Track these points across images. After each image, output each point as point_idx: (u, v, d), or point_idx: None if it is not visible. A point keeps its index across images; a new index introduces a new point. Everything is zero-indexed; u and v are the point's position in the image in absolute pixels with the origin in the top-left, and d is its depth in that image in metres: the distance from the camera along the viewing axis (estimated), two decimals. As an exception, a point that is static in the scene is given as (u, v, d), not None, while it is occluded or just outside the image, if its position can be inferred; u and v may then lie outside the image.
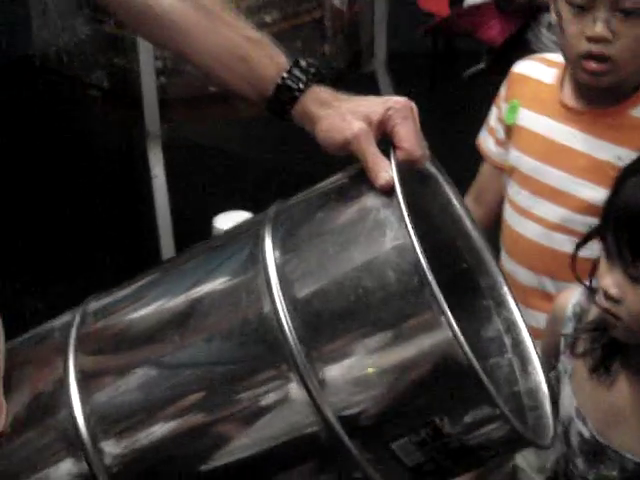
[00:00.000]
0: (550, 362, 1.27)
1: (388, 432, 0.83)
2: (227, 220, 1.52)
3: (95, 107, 2.78)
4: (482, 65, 2.38)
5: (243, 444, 0.88)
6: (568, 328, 1.24)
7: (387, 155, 0.89)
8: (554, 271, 1.46)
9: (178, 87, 2.43)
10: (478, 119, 1.75)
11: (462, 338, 0.78)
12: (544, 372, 0.96)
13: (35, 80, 2.87)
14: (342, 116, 0.95)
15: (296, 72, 0.98)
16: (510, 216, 1.54)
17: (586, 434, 1.19)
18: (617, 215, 1.12)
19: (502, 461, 1.28)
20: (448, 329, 0.77)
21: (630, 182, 1.15)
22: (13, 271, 2.39)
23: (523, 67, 1.58)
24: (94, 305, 1.01)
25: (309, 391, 0.81)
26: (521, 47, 2.07)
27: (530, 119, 1.51)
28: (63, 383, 0.95)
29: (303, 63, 0.98)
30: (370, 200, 0.88)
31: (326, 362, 0.83)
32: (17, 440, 0.98)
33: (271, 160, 2.99)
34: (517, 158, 1.51)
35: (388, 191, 0.85)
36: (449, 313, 0.78)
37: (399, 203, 0.83)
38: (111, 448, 0.91)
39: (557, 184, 1.46)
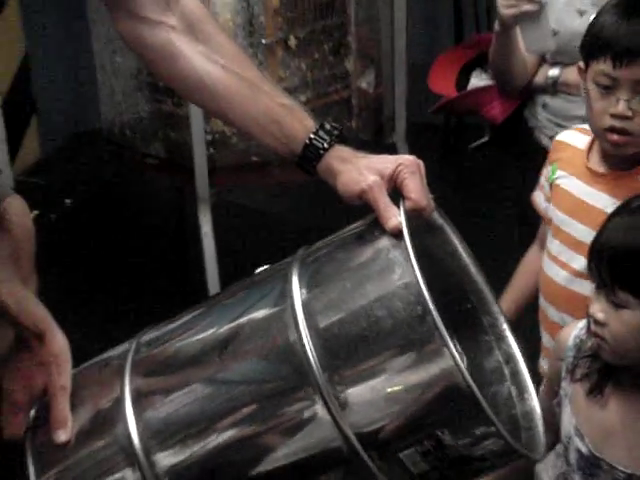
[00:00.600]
0: (553, 389, 1.38)
1: (398, 444, 0.94)
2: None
3: (153, 174, 2.99)
4: (486, 138, 2.51)
5: (277, 455, 0.98)
6: (569, 357, 1.34)
7: (397, 205, 0.98)
8: (573, 310, 1.56)
9: (225, 157, 2.61)
10: (482, 184, 1.97)
11: (462, 365, 0.87)
12: (538, 397, 1.05)
13: (101, 150, 3.05)
14: (359, 170, 1.07)
15: (321, 133, 1.10)
16: (544, 261, 1.68)
17: (583, 450, 1.28)
18: (599, 250, 1.24)
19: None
20: (451, 358, 0.87)
21: (611, 222, 1.28)
22: (82, 315, 2.56)
23: (564, 135, 1.73)
24: (147, 336, 1.12)
25: (331, 412, 0.91)
26: (519, 124, 2.21)
27: (564, 179, 1.66)
28: (120, 402, 1.05)
29: (327, 126, 1.09)
30: (382, 243, 0.99)
31: (346, 385, 0.93)
32: (81, 451, 1.09)
33: (304, 219, 3.14)
34: (552, 211, 1.66)
35: (397, 234, 0.95)
36: (450, 342, 0.88)
37: (406, 244, 0.93)
38: (162, 460, 1.01)
39: (581, 237, 1.57)
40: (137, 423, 1.04)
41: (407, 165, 1.05)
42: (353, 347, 0.95)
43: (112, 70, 2.89)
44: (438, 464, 0.98)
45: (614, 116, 1.48)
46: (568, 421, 1.31)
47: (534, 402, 1.04)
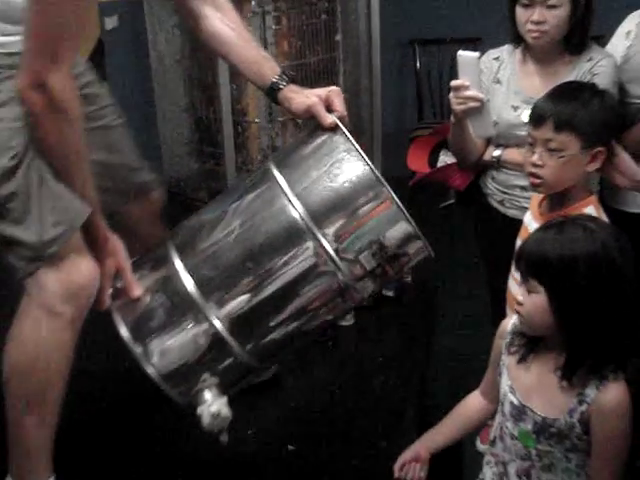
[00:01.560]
0: (496, 364, 1.64)
1: (358, 250, 1.52)
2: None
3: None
4: (452, 200, 2.78)
5: (283, 281, 1.54)
6: (507, 338, 1.61)
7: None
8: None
9: None
10: (447, 233, 2.52)
11: (393, 195, 1.46)
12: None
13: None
14: (305, 95, 1.66)
15: (283, 76, 1.71)
16: (510, 282, 1.98)
17: (515, 401, 1.54)
18: (521, 253, 1.51)
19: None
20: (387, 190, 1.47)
21: (530, 236, 1.58)
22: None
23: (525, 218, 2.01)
24: (177, 228, 1.70)
25: (323, 247, 1.50)
26: (476, 190, 2.45)
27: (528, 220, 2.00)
28: (170, 263, 1.59)
29: (286, 72, 1.70)
30: (325, 135, 1.59)
31: (327, 226, 1.50)
32: (149, 303, 1.59)
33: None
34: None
35: (333, 128, 1.57)
36: (385, 184, 1.47)
37: (343, 129, 1.55)
38: (214, 303, 1.54)
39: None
40: (187, 272, 1.57)
41: (335, 91, 1.68)
42: (324, 197, 1.54)
43: (171, 139, 3.34)
44: (381, 261, 1.56)
45: (533, 165, 1.84)
46: (505, 383, 1.58)
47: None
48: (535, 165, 1.85)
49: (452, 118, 2.23)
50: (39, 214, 1.53)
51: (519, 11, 2.19)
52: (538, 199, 1.92)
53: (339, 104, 1.66)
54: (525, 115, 2.13)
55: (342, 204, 1.54)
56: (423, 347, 2.63)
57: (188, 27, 1.93)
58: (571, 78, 2.21)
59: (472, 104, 2.11)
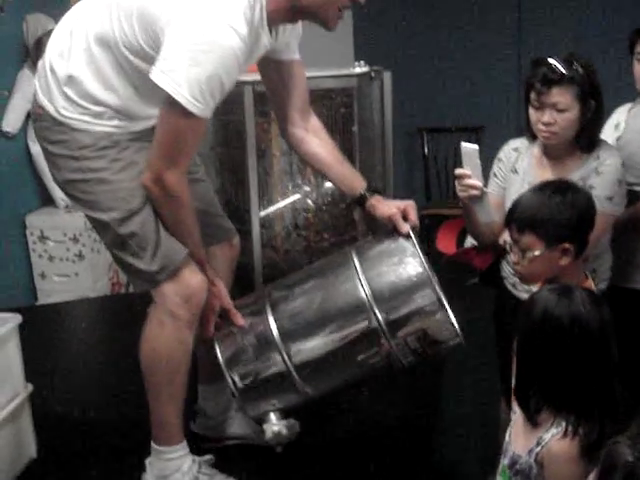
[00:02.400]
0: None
1: (407, 333, 1.97)
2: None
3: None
4: (476, 280, 2.68)
5: (344, 340, 2.01)
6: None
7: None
8: None
9: (272, 274, 3.02)
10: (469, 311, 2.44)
11: (440, 292, 1.97)
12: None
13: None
14: (388, 205, 2.15)
15: (369, 189, 2.22)
16: None
17: (507, 438, 1.70)
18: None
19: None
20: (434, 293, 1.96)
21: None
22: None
23: None
24: (271, 285, 2.26)
25: (380, 324, 1.98)
26: (497, 271, 2.48)
27: None
28: (262, 310, 2.10)
29: (371, 185, 2.24)
30: (400, 240, 2.07)
31: (388, 311, 1.98)
32: (245, 339, 2.09)
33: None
34: None
35: (407, 235, 2.07)
36: (447, 307, 1.96)
37: (413, 239, 2.05)
38: (291, 347, 2.01)
39: None
40: (275, 323, 2.05)
41: (410, 204, 2.15)
42: (387, 287, 2.02)
43: None
44: (423, 345, 2.00)
45: (515, 263, 1.96)
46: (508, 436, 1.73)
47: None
48: (514, 262, 1.96)
49: (461, 203, 2.34)
50: (152, 252, 2.04)
51: (531, 111, 2.28)
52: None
53: (413, 215, 2.12)
54: None
55: (401, 295, 2.01)
56: (433, 412, 2.83)
57: (290, 146, 2.43)
58: (578, 175, 2.28)
59: (473, 192, 2.22)
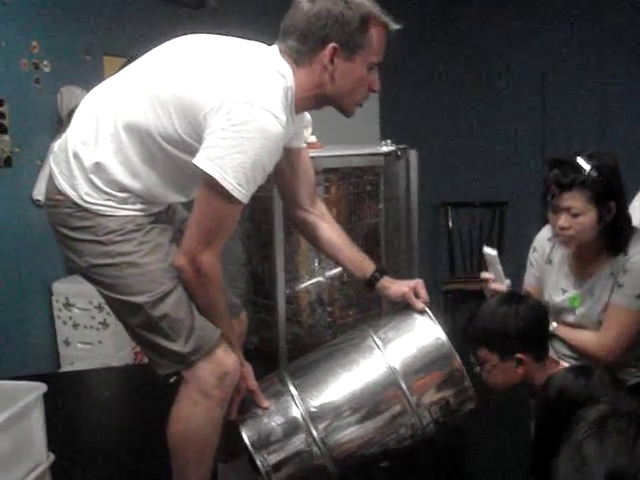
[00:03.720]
0: None
1: (431, 403, 2.08)
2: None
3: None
4: None
5: (378, 420, 2.08)
6: None
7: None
8: None
9: (298, 350, 3.07)
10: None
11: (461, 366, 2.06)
12: None
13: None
14: (399, 285, 2.26)
15: (378, 270, 2.31)
16: None
17: None
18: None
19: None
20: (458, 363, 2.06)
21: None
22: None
23: None
24: (290, 366, 2.29)
25: (409, 402, 2.08)
26: None
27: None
28: (286, 391, 2.14)
29: (380, 267, 2.33)
30: (415, 316, 2.17)
31: (411, 383, 2.06)
32: (271, 419, 2.11)
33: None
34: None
35: (422, 311, 2.17)
36: (456, 356, 2.07)
37: (429, 313, 2.15)
38: (321, 429, 2.05)
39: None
40: (301, 405, 2.08)
41: (420, 283, 2.25)
42: (411, 362, 2.09)
43: (229, 289, 3.44)
44: (446, 413, 2.09)
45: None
46: None
47: None
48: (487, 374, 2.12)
49: None
50: (186, 333, 2.03)
51: (550, 214, 2.29)
52: None
53: (424, 292, 2.22)
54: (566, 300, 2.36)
55: (425, 369, 2.08)
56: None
57: (299, 230, 2.50)
58: (608, 270, 2.29)
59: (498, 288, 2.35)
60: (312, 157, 2.97)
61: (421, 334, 2.14)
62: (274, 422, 2.11)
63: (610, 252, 2.30)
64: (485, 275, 2.36)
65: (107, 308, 4.14)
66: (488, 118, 5.48)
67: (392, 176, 3.55)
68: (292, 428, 2.10)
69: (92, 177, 2.03)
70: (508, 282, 2.37)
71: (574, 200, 2.19)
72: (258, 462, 2.08)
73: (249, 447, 2.09)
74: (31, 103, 4.30)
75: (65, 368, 4.45)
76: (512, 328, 1.99)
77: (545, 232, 2.48)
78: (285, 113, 1.94)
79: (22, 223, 4.25)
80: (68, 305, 4.43)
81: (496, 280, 2.34)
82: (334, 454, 2.09)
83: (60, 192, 2.08)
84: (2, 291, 4.09)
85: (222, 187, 1.87)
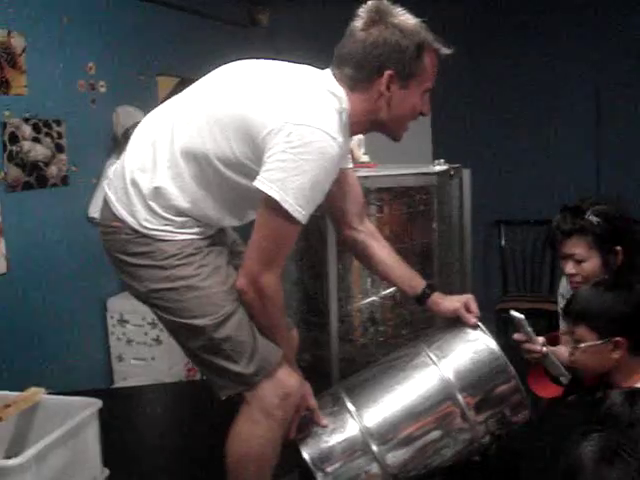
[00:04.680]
0: None
1: (489, 416, 2.11)
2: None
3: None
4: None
5: (434, 433, 2.10)
6: None
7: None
8: None
9: (349, 369, 3.01)
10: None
11: (517, 379, 2.08)
12: None
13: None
14: (451, 301, 2.29)
15: (428, 287, 2.33)
16: None
17: None
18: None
19: None
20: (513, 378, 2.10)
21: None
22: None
23: None
24: (346, 382, 2.30)
25: (466, 416, 2.10)
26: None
27: None
28: (344, 409, 2.16)
29: (430, 284, 2.34)
30: (469, 331, 2.19)
31: (467, 397, 2.08)
32: (330, 438, 2.14)
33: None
34: None
35: (475, 326, 2.20)
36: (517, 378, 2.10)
37: (482, 328, 2.19)
38: (379, 446, 2.08)
39: None
40: (360, 423, 2.10)
41: (470, 297, 2.27)
42: (468, 377, 2.10)
43: None
44: (502, 426, 2.14)
45: (569, 354, 2.15)
46: None
47: None
48: (569, 353, 2.11)
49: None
50: (249, 355, 2.03)
51: (561, 261, 2.38)
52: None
53: (474, 307, 2.24)
54: None
55: (482, 382, 2.11)
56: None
57: (349, 249, 2.51)
58: None
59: (534, 355, 2.32)
60: (365, 177, 3.05)
61: (475, 348, 2.16)
62: (334, 440, 2.13)
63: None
64: (517, 337, 2.32)
65: (160, 325, 4.29)
66: (541, 135, 5.44)
67: (445, 195, 3.55)
68: (352, 445, 2.11)
69: (151, 203, 2.05)
70: (541, 339, 2.32)
71: (576, 247, 2.27)
72: (316, 476, 2.10)
73: (310, 465, 2.10)
74: (87, 123, 4.40)
75: (118, 384, 4.51)
76: (618, 310, 1.97)
77: (566, 280, 2.52)
78: (341, 134, 1.96)
79: (78, 240, 4.33)
80: (122, 321, 4.50)
81: (528, 341, 2.30)
82: (394, 471, 2.11)
83: (118, 219, 2.09)
84: (58, 307, 4.17)
85: (283, 208, 1.89)
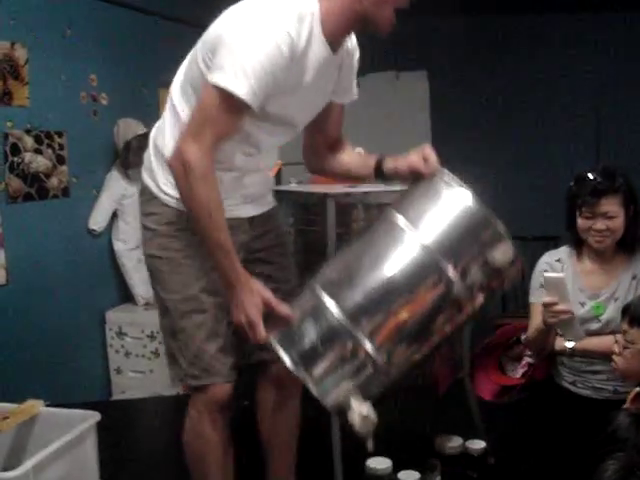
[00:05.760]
0: None
1: (468, 265, 1.84)
2: (376, 462, 2.20)
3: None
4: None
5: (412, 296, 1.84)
6: None
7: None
8: None
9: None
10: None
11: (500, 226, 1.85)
12: None
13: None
14: (404, 158, 2.07)
15: (380, 157, 2.18)
16: None
17: None
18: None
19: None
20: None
21: None
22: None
23: None
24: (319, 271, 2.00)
25: (450, 274, 1.83)
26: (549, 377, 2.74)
27: None
28: (315, 291, 1.89)
29: (382, 154, 2.19)
30: (434, 181, 1.96)
31: (445, 252, 1.83)
32: (301, 326, 1.88)
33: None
34: None
35: (435, 174, 1.96)
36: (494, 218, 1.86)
37: (444, 171, 1.95)
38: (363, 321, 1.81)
39: None
40: (337, 305, 1.84)
41: (426, 146, 2.04)
42: (440, 228, 1.89)
43: None
44: (487, 274, 1.87)
45: (616, 355, 2.20)
46: None
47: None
48: (616, 354, 2.11)
49: (541, 324, 2.51)
50: (193, 356, 2.12)
51: (581, 221, 2.56)
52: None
53: (432, 157, 2.02)
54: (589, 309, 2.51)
55: (457, 229, 1.90)
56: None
57: (311, 171, 2.50)
58: (630, 273, 2.56)
59: (563, 317, 2.38)
60: (365, 192, 3.03)
61: (440, 196, 1.96)
62: (311, 330, 1.88)
63: (628, 254, 2.59)
64: (549, 299, 2.37)
65: (159, 337, 4.31)
66: (540, 151, 5.45)
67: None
68: (335, 332, 1.87)
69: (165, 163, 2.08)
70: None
71: (610, 205, 2.49)
72: (303, 375, 1.85)
73: (288, 363, 1.86)
74: (89, 135, 4.42)
75: (116, 396, 4.49)
76: None
77: (552, 254, 2.75)
78: (296, 27, 1.92)
79: (78, 252, 4.35)
80: (121, 334, 4.50)
81: (557, 303, 2.37)
82: (383, 350, 1.86)
83: (143, 183, 2.20)
84: (57, 319, 4.17)
85: (212, 81, 1.89)
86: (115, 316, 4.53)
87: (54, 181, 4.14)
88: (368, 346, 1.82)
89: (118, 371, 4.53)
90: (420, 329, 1.89)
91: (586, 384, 2.59)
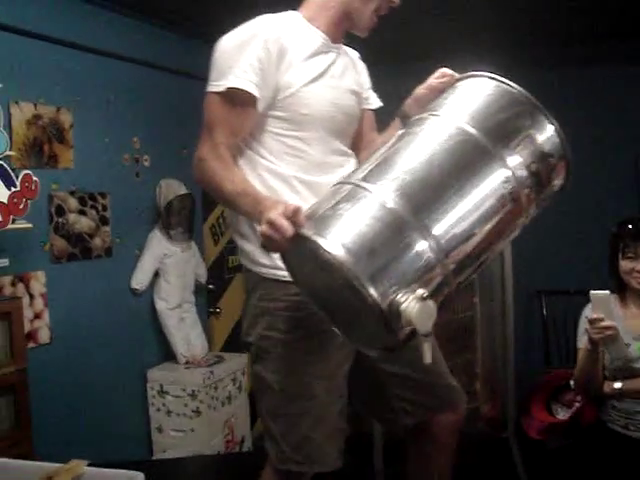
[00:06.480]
0: None
1: (519, 151, 1.76)
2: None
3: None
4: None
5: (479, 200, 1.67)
6: None
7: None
8: None
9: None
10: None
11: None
12: None
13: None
14: (418, 88, 2.03)
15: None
16: None
17: None
18: None
19: None
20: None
21: None
22: None
23: None
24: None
25: (495, 154, 1.71)
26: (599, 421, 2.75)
27: None
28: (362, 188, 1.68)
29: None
30: (455, 86, 1.95)
31: (509, 150, 1.73)
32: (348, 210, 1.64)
33: None
34: None
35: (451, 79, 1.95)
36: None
37: (463, 75, 1.94)
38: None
39: None
40: (390, 194, 1.62)
41: (440, 69, 2.01)
42: (478, 112, 1.82)
43: None
44: (535, 159, 1.80)
45: None
46: None
47: None
48: None
49: (588, 345, 2.59)
50: (297, 442, 2.03)
51: (624, 263, 2.69)
52: None
53: (448, 71, 2.00)
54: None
55: (501, 121, 1.82)
56: None
57: None
58: None
59: (608, 332, 2.46)
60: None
61: (467, 84, 1.95)
62: (364, 222, 1.62)
63: None
64: (595, 316, 2.48)
65: (200, 396, 4.32)
66: (582, 203, 5.39)
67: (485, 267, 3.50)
68: (392, 225, 1.62)
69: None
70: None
71: None
72: (355, 274, 1.53)
73: (336, 259, 1.54)
74: (131, 195, 4.51)
75: (158, 455, 4.51)
76: None
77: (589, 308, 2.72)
78: (277, 21, 2.00)
79: (120, 311, 4.39)
80: (162, 392, 4.51)
81: (606, 319, 2.48)
82: (442, 244, 1.62)
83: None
84: (99, 377, 4.21)
85: (211, 89, 2.00)
86: (156, 374, 4.56)
87: (97, 241, 4.21)
88: (423, 237, 1.59)
89: (159, 430, 4.53)
90: (471, 214, 1.69)
91: (639, 426, 2.59)
